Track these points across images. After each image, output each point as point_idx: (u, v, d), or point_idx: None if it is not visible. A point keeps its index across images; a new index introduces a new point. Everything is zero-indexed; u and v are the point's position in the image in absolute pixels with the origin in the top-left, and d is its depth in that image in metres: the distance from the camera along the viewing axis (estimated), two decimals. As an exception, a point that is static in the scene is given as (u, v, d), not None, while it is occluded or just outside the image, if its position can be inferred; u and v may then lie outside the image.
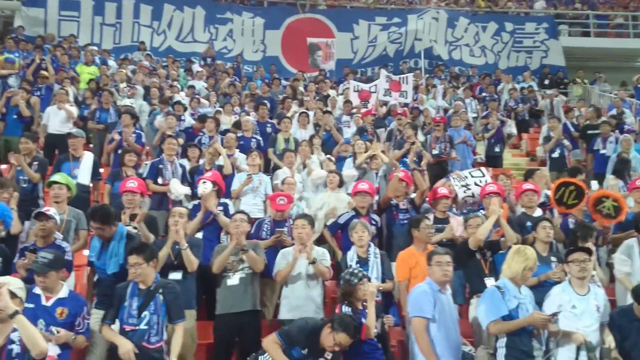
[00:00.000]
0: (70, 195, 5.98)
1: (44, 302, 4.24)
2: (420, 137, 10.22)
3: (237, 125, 9.88)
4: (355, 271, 4.65)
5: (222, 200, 6.78)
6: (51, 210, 5.21)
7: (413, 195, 7.04)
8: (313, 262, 5.21)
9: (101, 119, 10.19)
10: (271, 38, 18.95)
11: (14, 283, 3.65)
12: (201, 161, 8.26)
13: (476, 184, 7.26)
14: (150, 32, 17.95)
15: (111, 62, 14.37)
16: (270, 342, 4.35)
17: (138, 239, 5.35)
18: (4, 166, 8.44)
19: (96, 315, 4.86)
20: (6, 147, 9.60)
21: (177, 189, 7.22)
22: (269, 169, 9.02)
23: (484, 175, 7.37)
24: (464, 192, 7.28)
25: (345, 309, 4.50)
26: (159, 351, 4.32)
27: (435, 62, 18.62)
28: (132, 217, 5.72)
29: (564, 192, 6.45)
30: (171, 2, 18.32)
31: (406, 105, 12.55)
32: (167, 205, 7.35)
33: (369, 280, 4.81)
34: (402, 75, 13.24)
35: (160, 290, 4.39)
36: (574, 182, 6.58)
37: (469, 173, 7.54)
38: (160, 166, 7.55)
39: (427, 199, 6.94)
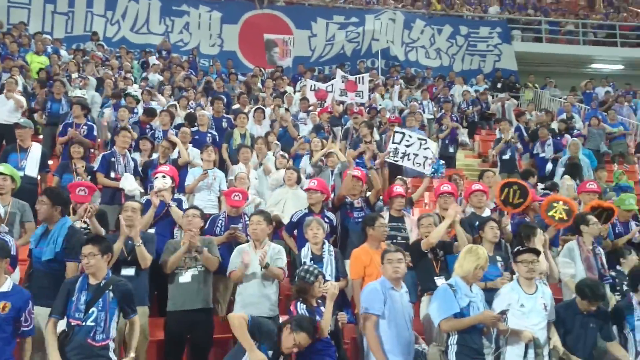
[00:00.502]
0: (14, 187, 5.76)
1: None
2: (376, 137, 10.32)
3: (191, 118, 9.74)
4: (311, 269, 4.66)
5: (176, 195, 6.68)
6: None
7: (368, 194, 7.09)
8: (266, 267, 5.20)
9: (52, 110, 9.86)
10: (228, 33, 18.77)
11: None
12: (154, 155, 8.13)
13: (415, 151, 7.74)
14: (104, 21, 17.52)
15: (63, 52, 13.96)
16: (238, 317, 4.27)
17: (81, 233, 5.22)
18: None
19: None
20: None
21: (130, 185, 7.06)
22: (223, 164, 8.93)
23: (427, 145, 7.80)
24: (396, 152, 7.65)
25: (301, 306, 4.49)
26: (105, 348, 4.21)
27: (392, 62, 18.83)
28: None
29: (508, 192, 6.62)
30: (127, -7, 17.92)
31: (362, 104, 12.64)
32: (119, 200, 7.17)
33: (324, 278, 4.82)
34: (358, 75, 13.32)
35: (111, 287, 4.28)
36: (517, 182, 6.77)
37: (417, 138, 7.87)
38: (113, 159, 7.35)
39: (382, 197, 7.01)
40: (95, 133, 8.78)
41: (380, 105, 13.51)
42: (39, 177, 7.29)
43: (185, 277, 5.22)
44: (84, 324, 4.17)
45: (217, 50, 18.58)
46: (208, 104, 11.26)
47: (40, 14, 17.03)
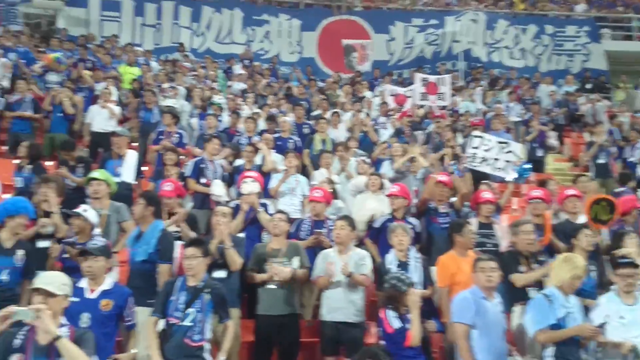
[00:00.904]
0: (109, 191, 6.07)
1: (88, 294, 4.30)
2: (459, 140, 10.13)
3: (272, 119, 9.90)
4: (403, 277, 4.62)
5: (261, 200, 6.83)
6: (80, 208, 5.31)
7: (454, 199, 6.96)
8: (349, 276, 5.21)
9: (144, 119, 10.36)
10: (307, 39, 19.00)
11: (59, 279, 3.57)
12: (238, 161, 8.33)
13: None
14: (190, 33, 18.17)
15: (153, 63, 14.58)
16: None
17: (172, 236, 5.43)
18: (50, 163, 8.65)
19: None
20: (51, 143, 9.86)
21: (219, 191, 7.29)
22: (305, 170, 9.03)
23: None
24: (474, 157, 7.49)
25: (391, 314, 4.46)
26: (200, 349, 4.37)
27: (474, 64, 18.41)
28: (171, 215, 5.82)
29: (597, 208, 6.28)
30: (210, 4, 18.54)
31: (443, 107, 12.43)
32: (209, 204, 7.42)
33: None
34: (439, 77, 13.10)
35: (207, 290, 4.43)
36: (606, 198, 6.42)
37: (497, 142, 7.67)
38: (202, 165, 7.62)
39: (468, 203, 6.87)
40: (185, 140, 9.12)
41: (461, 108, 13.24)
42: (134, 183, 7.64)
43: (273, 283, 5.32)
44: (182, 323, 4.34)
45: (296, 57, 18.86)
46: (289, 111, 11.43)
47: (131, 26, 17.90)
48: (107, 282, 4.42)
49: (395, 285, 4.54)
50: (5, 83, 11.35)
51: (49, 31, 16.96)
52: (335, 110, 11.01)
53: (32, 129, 10.04)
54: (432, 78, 12.74)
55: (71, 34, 16.05)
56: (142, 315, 4.78)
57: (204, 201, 7.50)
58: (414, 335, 4.36)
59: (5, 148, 10.00)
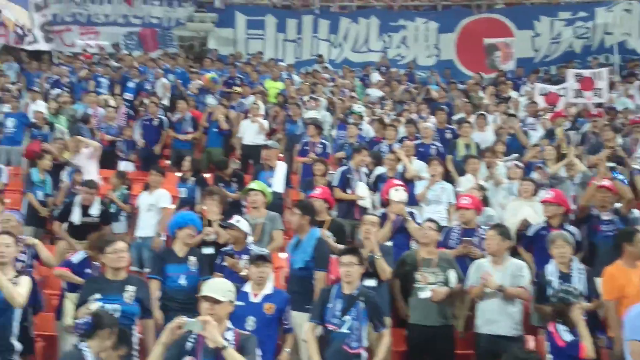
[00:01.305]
0: (265, 201, 6.39)
1: (252, 299, 4.59)
2: (619, 141, 9.34)
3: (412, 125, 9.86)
4: (570, 289, 4.38)
5: (408, 209, 6.79)
6: (234, 219, 5.60)
7: (618, 205, 6.43)
8: (500, 290, 5.01)
9: (290, 131, 10.79)
10: (445, 42, 18.63)
11: (224, 286, 3.75)
12: (379, 169, 8.35)
13: None
14: (328, 45, 18.63)
15: (295, 77, 15.16)
16: None
17: (328, 244, 5.59)
18: (207, 175, 9.29)
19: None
20: (208, 157, 10.61)
21: (363, 193, 7.41)
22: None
23: None
24: None
25: (561, 328, 4.24)
26: (358, 356, 4.44)
27: (629, 57, 16.90)
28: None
29: None
30: (347, 15, 18.92)
31: (600, 105, 11.53)
32: (353, 214, 7.54)
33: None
34: (594, 71, 12.16)
35: (362, 298, 4.50)
36: None
37: None
38: (349, 175, 7.75)
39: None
40: (328, 150, 9.36)
41: (618, 104, 12.19)
42: (283, 192, 7.99)
43: (426, 293, 5.26)
44: (340, 330, 4.45)
45: (433, 60, 18.58)
46: (430, 116, 11.28)
47: (273, 42, 18.79)
48: (269, 287, 4.68)
49: (563, 298, 4.31)
50: (166, 102, 12.42)
51: (201, 52, 18.33)
52: (480, 112, 10.66)
53: (191, 145, 10.89)
54: (586, 73, 11.84)
55: (221, 54, 17.22)
56: (300, 320, 5.00)
57: (349, 210, 7.63)
58: (588, 347, 4.17)
59: (168, 162, 10.91)
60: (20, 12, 15.54)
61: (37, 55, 15.26)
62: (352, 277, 4.53)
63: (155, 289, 5.18)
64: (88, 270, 5.34)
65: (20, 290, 4.31)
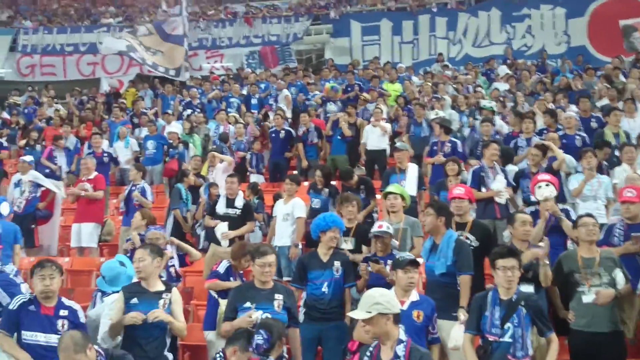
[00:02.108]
0: (404, 204, 6.14)
1: (399, 306, 4.30)
2: None
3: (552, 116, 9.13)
4: None
5: (561, 206, 6.22)
6: (383, 226, 5.37)
7: None
8: None
9: (415, 133, 10.49)
10: (575, 27, 17.48)
11: (369, 299, 3.52)
12: (509, 167, 7.80)
13: None
14: (447, 43, 18.13)
15: (414, 78, 14.83)
16: None
17: (468, 245, 5.22)
18: (333, 182, 9.25)
19: None
20: (333, 165, 10.58)
21: (499, 187, 6.94)
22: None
23: None
24: None
25: None
26: None
27: None
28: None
29: None
30: (465, 10, 18.30)
31: None
32: (492, 213, 7.06)
33: None
34: None
35: (523, 303, 4.11)
36: None
37: None
38: (482, 174, 7.30)
39: None
40: (459, 149, 8.92)
41: None
42: (417, 195, 7.69)
43: (590, 297, 4.72)
44: (501, 339, 4.09)
45: (564, 48, 17.47)
46: (569, 105, 10.44)
47: (389, 46, 18.61)
48: (414, 294, 4.41)
49: None
50: (289, 114, 12.64)
51: (318, 64, 18.56)
52: (628, 97, 9.69)
53: (317, 154, 10.96)
54: None
55: (337, 63, 17.30)
56: (446, 329, 4.70)
57: (486, 210, 7.17)
58: None
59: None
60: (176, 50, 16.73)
61: (167, 80, 16.24)
62: (514, 282, 4.15)
63: (297, 297, 5.10)
64: (232, 279, 5.39)
65: (181, 322, 4.46)
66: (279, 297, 4.43)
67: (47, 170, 10.05)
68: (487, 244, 5.46)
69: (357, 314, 3.48)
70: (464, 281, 4.95)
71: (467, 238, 5.56)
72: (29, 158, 9.17)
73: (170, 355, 4.49)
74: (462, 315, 4.73)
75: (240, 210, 7.25)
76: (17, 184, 8.63)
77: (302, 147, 10.71)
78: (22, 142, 12.51)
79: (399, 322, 3.50)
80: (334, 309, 5.11)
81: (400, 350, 3.37)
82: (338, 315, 5.11)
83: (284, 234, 7.09)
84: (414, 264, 4.41)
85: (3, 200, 7.27)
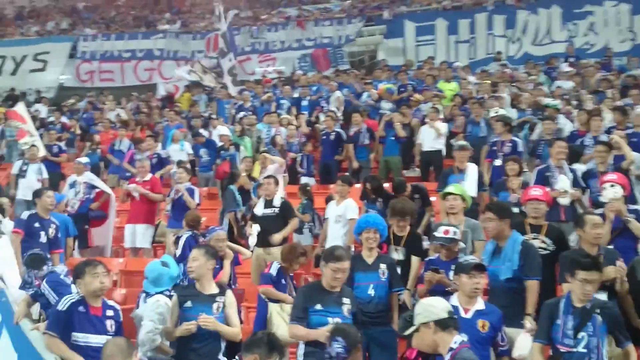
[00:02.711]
0: (465, 206, 5.83)
1: (462, 314, 4.01)
2: None
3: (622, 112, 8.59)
4: None
5: (631, 206, 5.76)
6: (450, 232, 5.03)
7: None
8: None
9: (472, 133, 10.12)
10: (641, 23, 16.61)
11: (441, 306, 3.34)
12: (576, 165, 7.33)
13: None
14: (505, 41, 17.60)
15: (470, 77, 14.38)
16: None
17: (535, 248, 4.87)
18: (386, 184, 8.98)
19: None
20: (386, 166, 10.34)
21: (564, 186, 6.51)
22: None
23: None
24: None
25: None
26: None
27: None
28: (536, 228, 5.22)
29: None
30: (525, 8, 17.69)
31: None
32: (557, 215, 6.62)
33: None
34: None
35: (598, 311, 3.76)
36: None
37: None
38: (548, 173, 6.88)
39: None
40: (520, 149, 8.50)
41: None
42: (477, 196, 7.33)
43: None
44: (574, 350, 3.76)
45: (629, 45, 16.66)
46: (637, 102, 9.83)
47: (445, 45, 18.20)
48: (480, 302, 4.10)
49: None
50: (340, 116, 12.47)
51: (371, 65, 18.30)
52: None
53: (368, 155, 10.72)
54: None
55: (390, 64, 16.98)
56: (513, 337, 4.35)
57: (550, 212, 6.68)
58: None
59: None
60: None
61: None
62: (591, 296, 3.81)
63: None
64: (282, 281, 5.24)
65: (235, 326, 4.34)
66: (347, 302, 4.22)
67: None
68: (560, 249, 5.11)
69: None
70: (532, 287, 4.60)
71: (544, 242, 5.23)
72: (84, 160, 9.31)
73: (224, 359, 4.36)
74: (529, 323, 4.41)
75: (278, 209, 7.09)
76: (72, 185, 8.75)
77: (352, 148, 10.52)
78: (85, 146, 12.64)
79: (446, 327, 3.20)
80: (381, 313, 4.85)
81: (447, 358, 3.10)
82: (385, 321, 4.84)
83: (337, 236, 6.88)
84: (479, 268, 4.07)
85: (62, 197, 7.38)
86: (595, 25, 17.05)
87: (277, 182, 7.39)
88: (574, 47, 16.51)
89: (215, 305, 4.28)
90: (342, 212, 6.94)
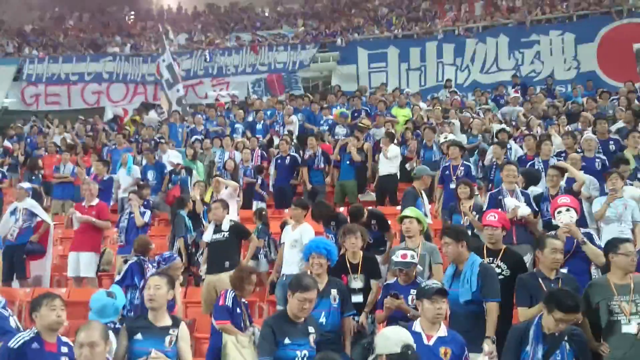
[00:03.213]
0: (421, 229, 5.78)
1: (425, 341, 3.90)
2: None
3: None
4: None
5: (583, 230, 5.81)
6: (408, 255, 4.97)
7: None
8: None
9: (425, 157, 10.21)
10: (584, 52, 17.28)
11: (396, 339, 3.30)
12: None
13: None
14: (454, 69, 17.97)
15: (421, 104, 14.61)
16: None
17: (493, 270, 4.80)
18: (342, 209, 8.92)
19: None
20: (342, 190, 10.31)
21: (524, 211, 6.50)
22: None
23: None
24: None
25: None
26: None
27: None
28: None
29: None
30: (473, 37, 18.21)
31: None
32: (509, 238, 6.53)
33: None
34: None
35: (566, 338, 3.71)
36: None
37: None
38: (500, 197, 6.90)
39: None
40: (473, 173, 8.61)
41: None
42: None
43: (630, 327, 4.26)
44: None
45: (573, 73, 17.26)
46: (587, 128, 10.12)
47: (396, 73, 18.47)
48: (443, 328, 3.99)
49: None
50: (294, 140, 12.41)
51: (325, 90, 18.39)
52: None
53: (324, 179, 10.65)
54: None
55: (344, 90, 17.09)
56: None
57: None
58: None
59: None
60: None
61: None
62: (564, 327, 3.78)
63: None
64: (237, 310, 5.01)
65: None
66: (312, 331, 4.10)
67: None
68: (517, 273, 5.01)
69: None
70: (491, 308, 4.56)
71: (499, 266, 5.15)
72: (26, 185, 8.85)
73: None
74: (487, 346, 4.34)
75: (227, 233, 6.95)
76: (13, 212, 8.28)
77: (306, 171, 10.44)
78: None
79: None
80: (334, 339, 4.69)
81: None
82: (337, 347, 4.67)
83: (293, 262, 6.68)
84: (441, 293, 3.97)
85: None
86: (541, 54, 17.57)
87: (225, 207, 7.22)
88: (521, 75, 17.01)
89: (167, 339, 4.03)
90: (298, 237, 6.76)
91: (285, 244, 6.88)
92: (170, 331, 4.07)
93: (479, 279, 4.63)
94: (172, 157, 11.11)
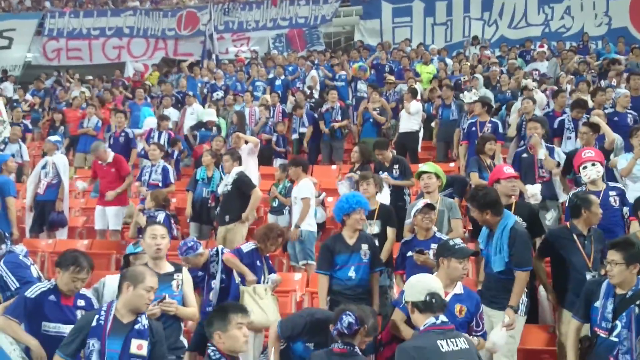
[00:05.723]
0: (440, 184, 5.65)
1: None
2: None
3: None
4: None
5: (611, 183, 5.67)
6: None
7: None
8: None
9: (443, 116, 10.01)
10: (616, 8, 16.60)
11: (420, 287, 3.27)
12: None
13: None
14: (482, 24, 17.41)
15: (447, 60, 14.26)
16: None
17: (526, 234, 4.51)
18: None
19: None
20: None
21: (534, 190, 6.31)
22: None
23: None
24: None
25: None
26: None
27: None
28: None
29: None
30: (502, -10, 17.58)
31: None
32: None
33: None
34: None
35: (638, 302, 3.56)
36: None
37: None
38: (524, 155, 6.75)
39: None
40: (500, 130, 8.38)
41: None
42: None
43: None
44: (608, 337, 3.63)
45: (604, 29, 16.61)
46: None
47: (421, 28, 17.95)
48: (459, 285, 3.91)
49: None
50: (316, 95, 12.23)
51: (347, 46, 18.02)
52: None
53: (342, 136, 10.52)
54: None
55: (367, 44, 16.75)
56: (496, 319, 4.29)
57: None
58: None
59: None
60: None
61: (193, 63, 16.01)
62: (615, 278, 3.66)
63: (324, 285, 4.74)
64: (258, 263, 4.98)
65: (192, 306, 4.21)
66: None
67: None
68: (532, 226, 4.95)
69: None
70: (520, 277, 4.31)
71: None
72: (54, 138, 8.82)
73: (185, 341, 4.24)
74: (507, 317, 4.21)
75: (231, 185, 6.88)
76: (44, 167, 8.27)
77: (322, 125, 10.44)
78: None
79: (422, 310, 3.19)
80: (362, 295, 4.66)
81: None
82: (366, 303, 4.62)
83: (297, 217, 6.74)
84: (472, 254, 3.96)
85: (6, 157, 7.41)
86: (571, 9, 16.94)
87: (236, 159, 7.15)
88: (550, 31, 16.51)
89: (174, 283, 4.09)
90: (297, 193, 6.80)
91: (292, 201, 7.01)
92: (175, 276, 4.13)
93: (510, 246, 4.36)
94: (207, 115, 11.00)
